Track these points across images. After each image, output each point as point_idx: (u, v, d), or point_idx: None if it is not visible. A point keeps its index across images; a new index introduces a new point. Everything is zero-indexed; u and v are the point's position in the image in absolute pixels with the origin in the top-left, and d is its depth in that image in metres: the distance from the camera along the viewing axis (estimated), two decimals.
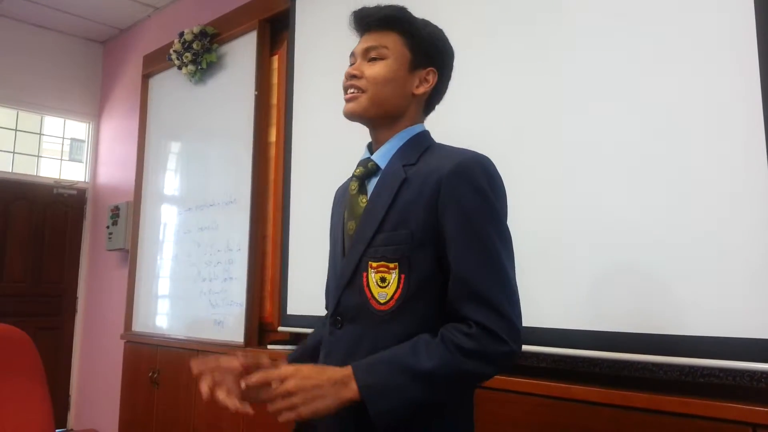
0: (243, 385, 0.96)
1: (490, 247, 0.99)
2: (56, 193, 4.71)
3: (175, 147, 3.76)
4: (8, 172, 4.58)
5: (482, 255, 0.98)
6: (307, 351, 1.26)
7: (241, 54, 3.28)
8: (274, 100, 3.11)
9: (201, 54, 3.41)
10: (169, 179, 3.76)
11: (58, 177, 4.80)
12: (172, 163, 3.77)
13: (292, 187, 2.78)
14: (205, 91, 3.51)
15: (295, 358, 1.24)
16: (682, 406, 1.44)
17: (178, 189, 3.67)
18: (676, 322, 1.51)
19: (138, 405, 3.53)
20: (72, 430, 4.55)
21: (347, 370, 0.95)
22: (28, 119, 4.74)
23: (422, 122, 1.20)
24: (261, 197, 3.05)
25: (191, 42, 3.43)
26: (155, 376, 3.38)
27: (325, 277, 1.29)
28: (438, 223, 1.01)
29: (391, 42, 1.12)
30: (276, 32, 3.19)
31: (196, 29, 3.43)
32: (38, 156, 4.81)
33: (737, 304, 1.42)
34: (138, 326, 3.77)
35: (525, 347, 1.74)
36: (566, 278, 1.72)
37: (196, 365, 1.04)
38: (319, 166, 2.67)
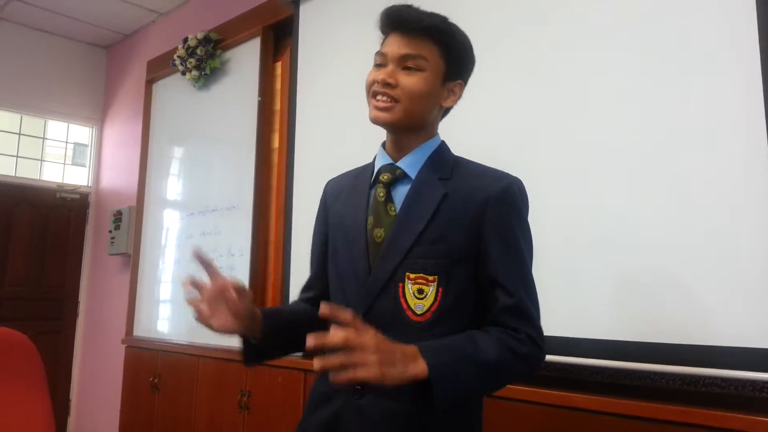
0: (324, 308, 0.89)
1: (525, 267, 1.08)
2: (59, 197, 4.72)
3: (178, 152, 3.77)
4: (11, 176, 4.59)
5: (521, 274, 1.06)
6: (284, 314, 1.25)
7: (245, 60, 3.29)
8: (277, 106, 3.12)
9: (205, 60, 3.42)
10: (172, 184, 3.77)
11: (61, 181, 4.81)
12: (174, 168, 3.78)
13: (294, 192, 2.78)
14: (209, 96, 3.52)
15: (272, 314, 1.18)
16: (684, 416, 1.43)
17: (181, 194, 3.68)
18: (677, 331, 1.51)
19: (138, 410, 3.52)
20: None
21: (414, 347, 0.93)
22: (32, 123, 4.75)
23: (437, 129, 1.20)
24: (263, 203, 3.05)
25: (195, 48, 3.44)
26: (156, 381, 3.38)
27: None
28: (479, 241, 1.06)
29: (429, 53, 1.08)
30: (279, 39, 3.20)
31: (200, 35, 3.45)
32: (41, 160, 4.82)
33: (740, 313, 1.42)
34: (139, 331, 3.77)
35: None
36: (567, 287, 1.72)
37: (187, 280, 1.10)
38: (321, 172, 2.66)
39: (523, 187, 1.12)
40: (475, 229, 1.06)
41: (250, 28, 3.26)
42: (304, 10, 2.91)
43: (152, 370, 3.43)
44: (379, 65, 1.11)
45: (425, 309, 1.05)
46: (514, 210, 1.08)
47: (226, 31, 3.42)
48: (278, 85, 3.14)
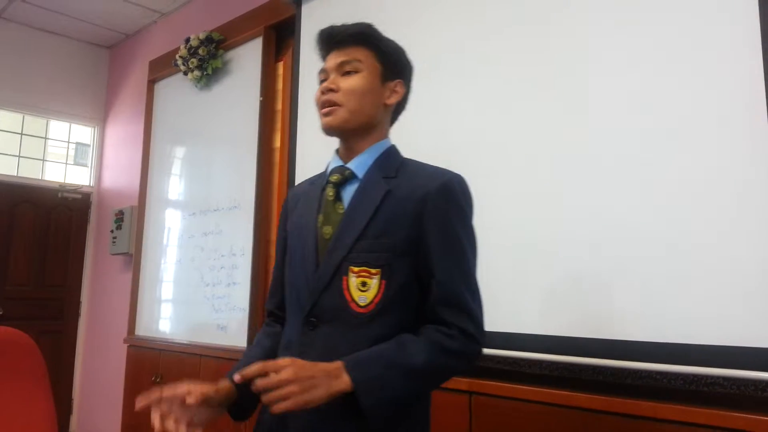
0: (237, 378, 0.98)
1: (466, 260, 1.11)
2: (61, 197, 4.72)
3: (179, 152, 3.78)
4: (13, 176, 4.60)
5: (460, 268, 1.10)
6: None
7: (247, 60, 3.30)
8: (279, 106, 3.12)
9: (207, 60, 3.43)
10: (174, 184, 3.77)
11: (62, 181, 4.81)
12: (176, 167, 3.78)
13: None
14: (211, 96, 3.52)
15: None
16: (686, 415, 1.43)
17: (183, 194, 3.68)
18: (680, 330, 1.51)
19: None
20: None
21: (338, 364, 0.99)
22: (34, 123, 4.76)
23: (389, 133, 1.26)
24: (265, 202, 3.06)
25: (197, 48, 3.44)
26: (158, 380, 3.38)
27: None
28: (420, 235, 1.10)
29: (363, 56, 1.17)
30: (281, 39, 3.20)
31: (202, 35, 3.45)
32: (43, 160, 4.83)
33: (742, 312, 1.42)
34: (141, 330, 3.77)
35: (529, 354, 1.74)
36: (568, 285, 1.72)
37: (140, 401, 1.04)
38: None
39: (465, 182, 1.16)
40: (416, 223, 1.10)
41: (252, 28, 3.26)
42: (305, 10, 2.91)
43: (154, 369, 3.44)
44: (322, 81, 1.20)
45: (368, 301, 1.08)
46: (454, 204, 1.12)
47: (228, 31, 3.43)
48: (280, 85, 3.15)
